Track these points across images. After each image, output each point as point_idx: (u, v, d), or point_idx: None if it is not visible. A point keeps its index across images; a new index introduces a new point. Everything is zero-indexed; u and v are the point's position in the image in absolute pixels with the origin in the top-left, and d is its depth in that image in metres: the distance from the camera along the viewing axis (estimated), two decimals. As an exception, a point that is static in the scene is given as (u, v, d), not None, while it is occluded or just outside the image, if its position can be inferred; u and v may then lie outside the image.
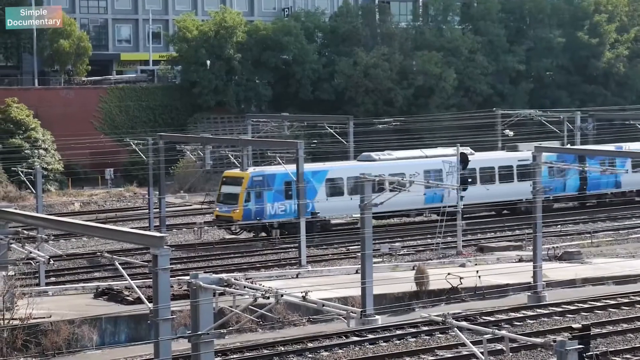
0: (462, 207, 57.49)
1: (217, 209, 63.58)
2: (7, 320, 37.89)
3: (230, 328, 35.33)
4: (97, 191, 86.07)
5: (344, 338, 39.18)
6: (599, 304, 44.35)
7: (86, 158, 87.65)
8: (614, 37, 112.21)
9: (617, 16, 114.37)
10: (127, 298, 43.24)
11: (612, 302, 44.75)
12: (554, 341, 22.48)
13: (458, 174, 61.94)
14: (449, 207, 58.04)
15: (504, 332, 26.18)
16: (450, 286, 46.27)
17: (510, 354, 35.19)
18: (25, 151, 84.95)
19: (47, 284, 47.88)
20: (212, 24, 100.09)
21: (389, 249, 57.33)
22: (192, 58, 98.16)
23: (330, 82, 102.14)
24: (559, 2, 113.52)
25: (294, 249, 57.12)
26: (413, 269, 48.99)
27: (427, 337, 39.41)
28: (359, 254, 44.43)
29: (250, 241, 61.81)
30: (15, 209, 35.09)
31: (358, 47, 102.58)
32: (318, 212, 62.35)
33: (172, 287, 35.19)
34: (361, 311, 37.64)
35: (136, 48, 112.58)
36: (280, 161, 63.42)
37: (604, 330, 39.66)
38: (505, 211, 70.31)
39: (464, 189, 61.95)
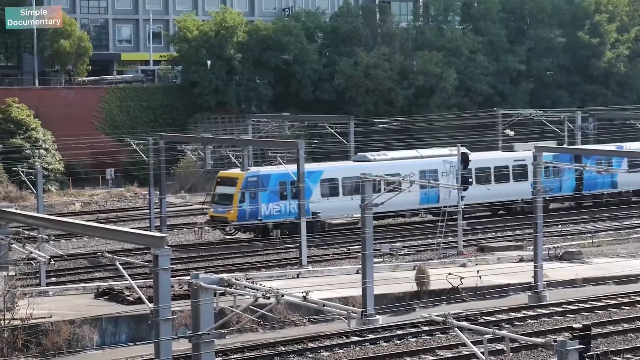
0: (462, 207, 57.43)
1: (212, 209, 63.40)
2: (8, 321, 37.89)
3: (231, 328, 35.34)
4: (97, 191, 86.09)
5: (345, 338, 39.17)
6: (599, 303, 44.34)
7: (87, 158, 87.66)
8: (614, 37, 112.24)
9: (618, 16, 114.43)
10: (128, 298, 43.24)
11: (613, 302, 44.74)
12: (555, 341, 22.48)
13: (459, 173, 61.85)
14: (450, 207, 57.95)
15: (504, 332, 26.20)
16: (451, 286, 46.26)
17: (511, 354, 35.16)
18: (26, 151, 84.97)
19: (47, 284, 47.88)
20: (212, 24, 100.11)
21: (390, 249, 57.32)
22: (192, 58, 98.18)
23: (331, 82, 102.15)
24: (559, 2, 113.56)
25: (294, 249, 57.10)
26: (414, 269, 48.98)
27: (428, 337, 39.41)
28: (360, 254, 44.44)
29: (251, 241, 61.79)
30: (16, 209, 35.08)
31: (358, 47, 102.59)
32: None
33: (172, 287, 35.22)
34: (362, 311, 37.71)
35: (137, 48, 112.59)
36: (281, 161, 63.36)
37: (604, 330, 39.65)
38: (501, 212, 70.22)
39: (465, 189, 61.81)
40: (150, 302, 25.38)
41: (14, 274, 39.44)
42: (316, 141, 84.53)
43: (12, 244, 31.18)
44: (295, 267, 53.30)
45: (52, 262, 31.03)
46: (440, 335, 39.35)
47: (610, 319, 41.71)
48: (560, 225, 66.44)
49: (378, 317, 40.19)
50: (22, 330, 37.79)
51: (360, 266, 43.30)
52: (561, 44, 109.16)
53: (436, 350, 37.33)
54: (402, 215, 66.42)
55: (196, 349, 24.73)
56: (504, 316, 42.47)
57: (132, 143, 72.82)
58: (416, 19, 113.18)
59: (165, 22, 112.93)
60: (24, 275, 41.50)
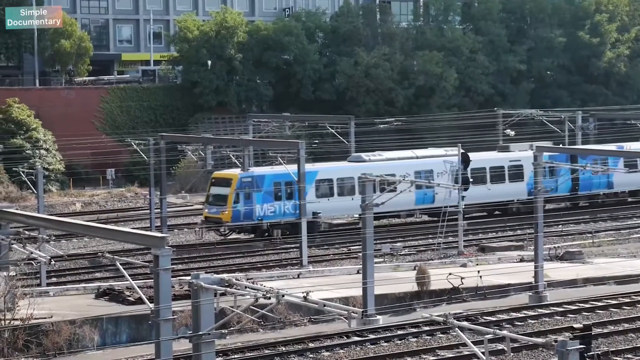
0: (463, 207, 57.39)
1: (206, 210, 63.27)
2: (9, 321, 37.90)
3: (232, 328, 35.31)
4: (98, 191, 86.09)
5: (345, 338, 39.17)
6: (600, 303, 44.34)
7: (87, 158, 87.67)
8: (614, 37, 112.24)
9: (618, 16, 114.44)
10: (129, 298, 43.24)
11: (614, 302, 44.74)
12: (556, 341, 22.48)
13: (460, 173, 61.80)
14: (450, 207, 57.89)
15: (505, 332, 26.21)
16: (451, 286, 46.25)
17: (512, 354, 35.15)
18: (27, 151, 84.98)
19: (48, 285, 47.91)
20: (213, 24, 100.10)
21: (390, 249, 57.31)
22: (193, 58, 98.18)
23: (331, 82, 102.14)
24: (559, 1, 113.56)
25: (295, 249, 57.10)
26: (414, 269, 48.98)
27: (429, 337, 39.41)
28: (360, 254, 44.41)
29: (251, 241, 61.77)
30: (17, 209, 35.11)
31: (359, 47, 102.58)
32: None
33: (173, 287, 35.20)
34: (362, 311, 37.73)
35: (137, 48, 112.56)
36: (282, 161, 63.33)
37: (605, 330, 39.65)
38: (496, 212, 70.12)
39: (465, 189, 61.73)
40: (150, 302, 25.40)
41: (14, 274, 39.45)
42: (317, 141, 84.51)
43: (12, 244, 31.20)
44: (296, 267, 53.31)
45: (53, 262, 31.06)
46: (441, 335, 39.35)
47: (611, 319, 41.70)
48: (560, 225, 66.45)
49: (379, 317, 40.18)
50: (22, 331, 37.79)
51: (361, 266, 43.30)
52: (561, 43, 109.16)
53: (437, 351, 37.33)
54: (397, 216, 66.17)
55: (197, 349, 24.74)
56: (504, 316, 42.46)
57: (132, 143, 72.80)
58: (416, 18, 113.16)
59: (166, 22, 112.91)
60: (24, 275, 41.48)
